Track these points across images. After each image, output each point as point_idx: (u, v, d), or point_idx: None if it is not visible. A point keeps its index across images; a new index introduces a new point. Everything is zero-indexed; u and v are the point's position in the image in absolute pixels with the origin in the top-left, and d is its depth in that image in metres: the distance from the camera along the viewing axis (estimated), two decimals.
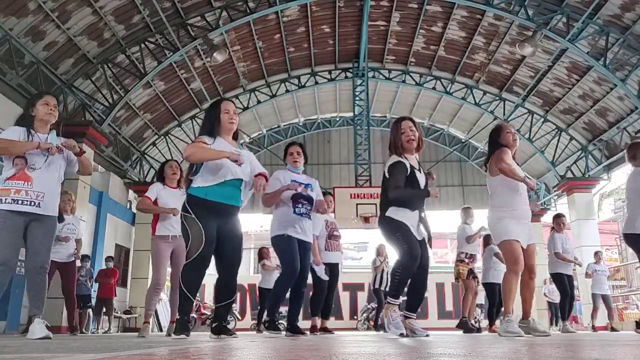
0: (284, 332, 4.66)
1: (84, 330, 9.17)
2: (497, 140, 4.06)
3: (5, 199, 3.44)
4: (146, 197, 4.93)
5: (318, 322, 5.91)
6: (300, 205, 4.43)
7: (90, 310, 9.59)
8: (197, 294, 3.59)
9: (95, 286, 10.08)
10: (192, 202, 3.39)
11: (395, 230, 3.80)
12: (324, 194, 5.72)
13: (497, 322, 7.32)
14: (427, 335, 3.71)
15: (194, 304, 3.64)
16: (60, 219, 5.77)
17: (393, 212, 3.82)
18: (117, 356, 1.64)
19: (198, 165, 3.44)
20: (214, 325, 3.47)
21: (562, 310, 7.07)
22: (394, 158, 3.87)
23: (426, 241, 3.92)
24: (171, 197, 4.88)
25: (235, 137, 3.69)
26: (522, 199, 3.96)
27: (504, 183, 3.92)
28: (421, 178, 3.91)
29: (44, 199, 3.54)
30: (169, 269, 5.20)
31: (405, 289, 3.91)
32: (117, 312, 11.20)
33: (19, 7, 8.31)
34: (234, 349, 2.19)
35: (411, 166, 3.85)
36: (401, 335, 3.64)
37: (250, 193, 3.59)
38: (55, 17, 8.87)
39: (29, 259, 3.57)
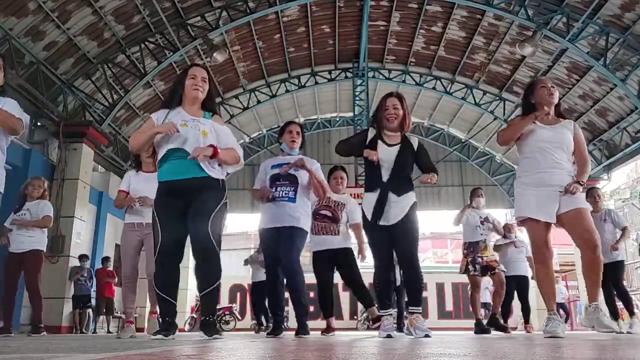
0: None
1: (84, 330, 9.18)
2: (528, 98, 3.44)
3: None
4: (120, 192, 4.67)
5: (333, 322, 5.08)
6: (275, 189, 4.00)
7: (90, 310, 9.59)
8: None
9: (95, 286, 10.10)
10: (158, 188, 3.07)
11: (367, 235, 3.71)
12: (336, 168, 5.18)
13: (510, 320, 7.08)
14: (427, 336, 3.42)
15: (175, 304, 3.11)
16: (18, 209, 5.43)
17: (363, 200, 3.66)
18: (117, 356, 1.64)
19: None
20: (201, 319, 3.13)
21: (627, 305, 6.10)
22: None
23: (402, 223, 3.54)
24: (144, 183, 4.53)
25: (209, 109, 3.21)
26: (545, 160, 3.26)
27: (522, 146, 3.39)
28: (386, 151, 3.61)
29: None
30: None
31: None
32: (117, 312, 11.20)
33: (19, 7, 8.30)
34: (234, 349, 2.19)
35: (378, 136, 3.69)
36: (388, 336, 3.53)
37: (224, 169, 3.17)
38: (55, 17, 8.86)
39: None
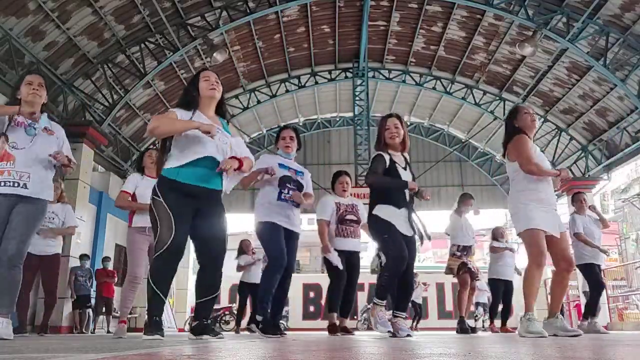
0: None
1: (83, 330, 9.18)
2: (513, 123, 3.82)
3: None
4: (124, 192, 4.56)
5: (337, 320, 5.02)
6: (286, 191, 4.11)
7: (90, 310, 9.59)
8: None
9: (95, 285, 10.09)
10: (162, 184, 2.99)
11: (382, 231, 3.77)
12: (341, 173, 5.31)
13: (497, 321, 7.21)
14: (409, 336, 3.63)
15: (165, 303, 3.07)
16: None
17: (379, 210, 3.78)
18: (117, 356, 1.64)
19: (169, 143, 3.04)
20: (193, 324, 3.08)
21: (593, 305, 6.15)
22: (376, 152, 3.96)
23: (417, 238, 3.87)
24: (150, 188, 4.64)
25: (222, 114, 3.26)
26: (547, 183, 3.66)
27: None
28: (405, 175, 3.85)
29: (30, 180, 3.20)
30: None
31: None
32: (117, 312, 11.20)
33: (19, 7, 8.31)
34: (233, 349, 2.19)
35: (392, 161, 3.84)
36: (389, 333, 3.66)
37: (235, 180, 3.24)
38: (55, 17, 8.87)
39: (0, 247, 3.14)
